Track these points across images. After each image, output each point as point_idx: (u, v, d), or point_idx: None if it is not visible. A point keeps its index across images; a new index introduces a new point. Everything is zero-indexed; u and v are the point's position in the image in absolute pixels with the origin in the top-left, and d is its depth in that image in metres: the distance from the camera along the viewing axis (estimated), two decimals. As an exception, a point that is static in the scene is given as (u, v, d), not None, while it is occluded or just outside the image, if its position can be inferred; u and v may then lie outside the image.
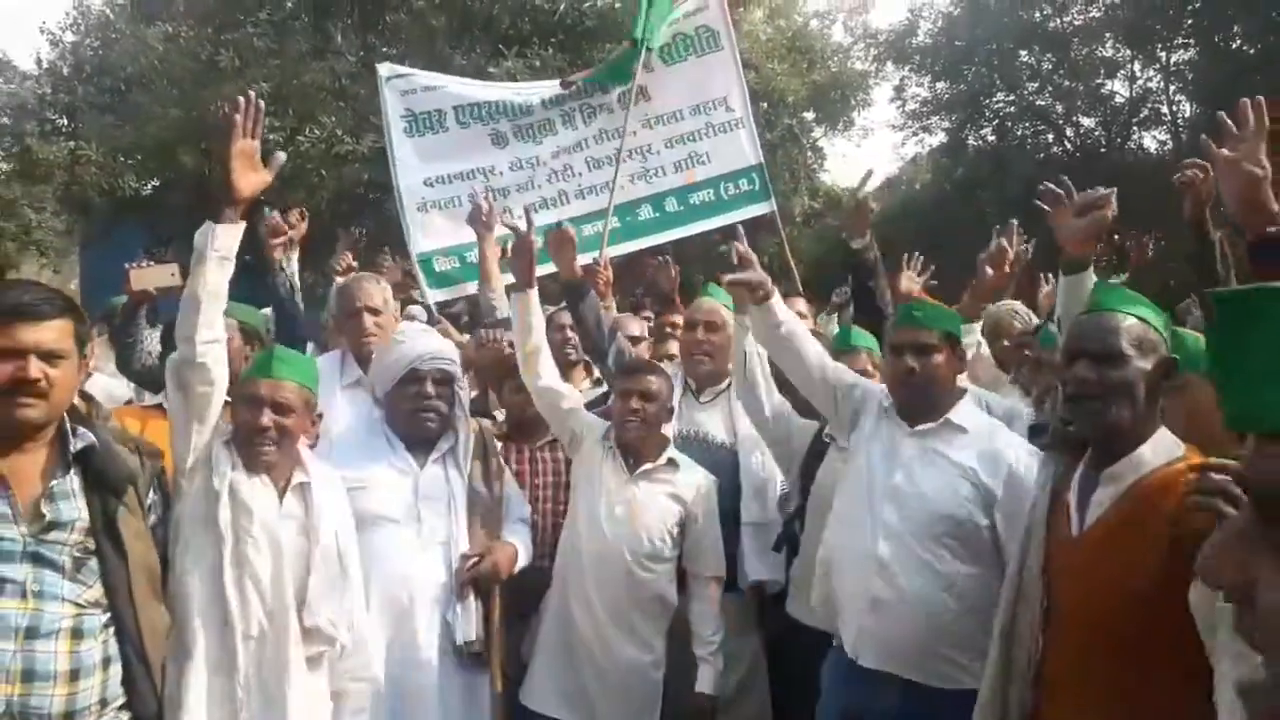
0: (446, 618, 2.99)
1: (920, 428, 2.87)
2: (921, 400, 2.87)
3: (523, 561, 3.18)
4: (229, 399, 2.69)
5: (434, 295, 5.08)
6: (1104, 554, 2.09)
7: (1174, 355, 2.18)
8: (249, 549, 2.55)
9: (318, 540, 2.66)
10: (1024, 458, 2.82)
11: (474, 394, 3.85)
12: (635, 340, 4.15)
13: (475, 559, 3.02)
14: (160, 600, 2.39)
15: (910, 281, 4.53)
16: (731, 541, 3.49)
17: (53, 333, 2.12)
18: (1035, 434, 2.75)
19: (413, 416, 3.07)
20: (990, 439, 2.87)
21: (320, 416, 2.85)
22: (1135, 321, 2.16)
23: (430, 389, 3.06)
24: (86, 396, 3.90)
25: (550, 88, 5.36)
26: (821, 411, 3.22)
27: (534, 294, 3.35)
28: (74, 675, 2.13)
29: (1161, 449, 2.12)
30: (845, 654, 2.84)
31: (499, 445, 3.56)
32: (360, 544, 2.84)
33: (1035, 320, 5.01)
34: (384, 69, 5.36)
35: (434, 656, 2.97)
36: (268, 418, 2.61)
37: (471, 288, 5.10)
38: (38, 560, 2.12)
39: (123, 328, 4.14)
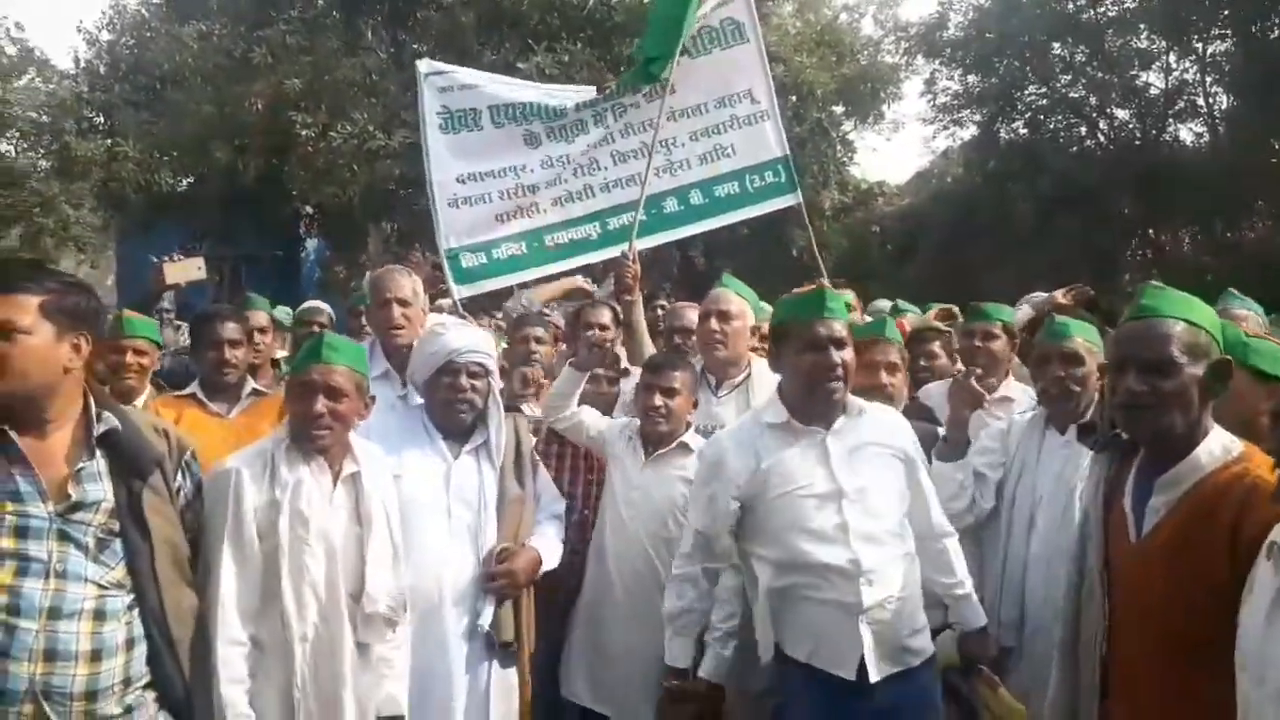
0: (475, 607, 3.02)
1: (837, 425, 2.77)
2: (842, 395, 2.78)
3: (551, 563, 3.18)
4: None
5: (460, 291, 5.11)
6: (1164, 560, 2.06)
7: (1227, 356, 2.11)
8: (306, 557, 2.59)
9: (371, 529, 2.69)
10: (899, 417, 2.99)
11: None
12: (691, 332, 4.16)
13: (500, 553, 3.03)
14: (187, 582, 2.42)
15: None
16: None
17: (9, 308, 2.13)
18: (1084, 434, 2.63)
19: (448, 407, 3.12)
20: (878, 410, 2.92)
21: (374, 399, 2.87)
22: (1184, 326, 2.09)
23: (465, 381, 3.10)
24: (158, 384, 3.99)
25: (586, 92, 5.41)
26: None
27: (585, 377, 3.55)
28: (95, 655, 2.16)
29: (1218, 449, 2.07)
30: (824, 680, 2.68)
31: (539, 439, 3.62)
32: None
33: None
34: (423, 65, 5.41)
35: (463, 645, 3.00)
36: (321, 404, 2.63)
37: (494, 284, 5.17)
38: (63, 539, 2.16)
39: None
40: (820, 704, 2.69)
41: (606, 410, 3.76)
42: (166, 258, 4.29)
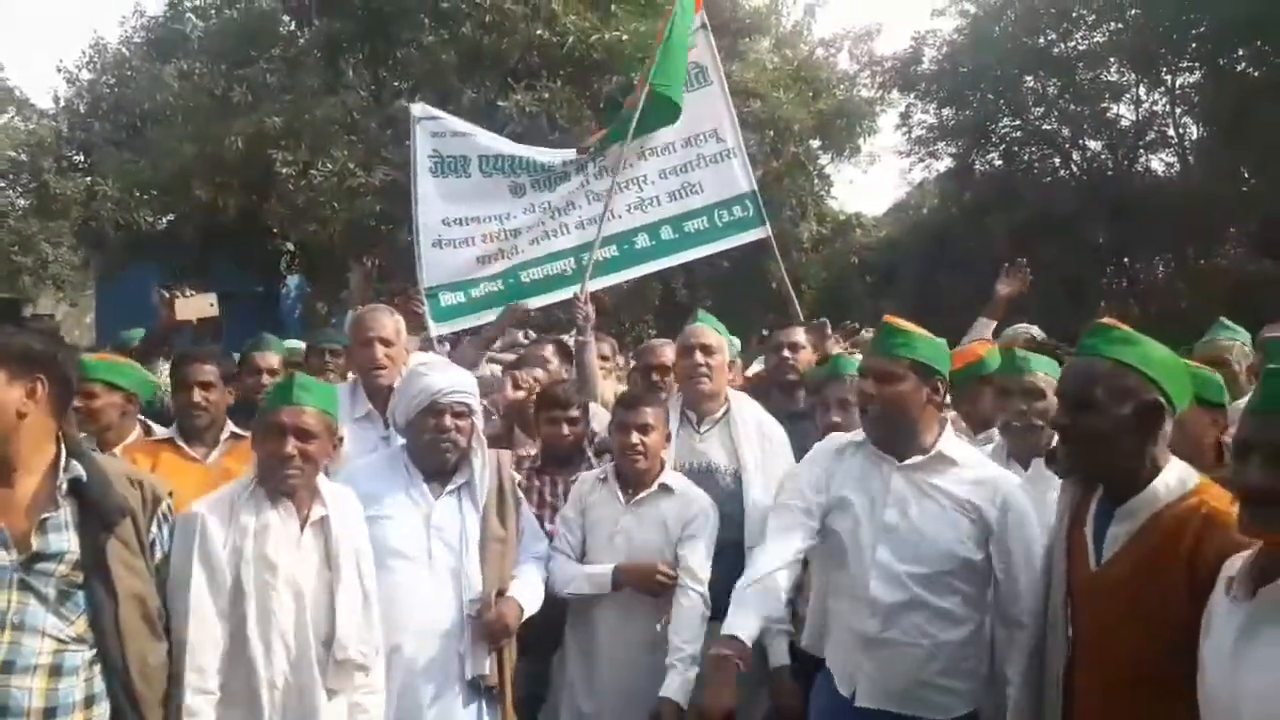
0: (458, 650, 3.00)
1: (910, 461, 2.80)
2: (883, 429, 2.83)
3: (533, 607, 3.16)
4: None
5: (437, 328, 5.19)
6: (1122, 589, 2.10)
7: (1159, 398, 2.12)
8: (274, 603, 2.57)
9: (340, 575, 2.67)
10: (1015, 486, 2.81)
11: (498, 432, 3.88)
12: (667, 369, 4.16)
13: (482, 606, 3.03)
14: (157, 637, 2.35)
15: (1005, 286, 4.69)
16: (736, 570, 3.45)
17: None
18: (1050, 460, 2.74)
19: (431, 448, 3.10)
20: (983, 469, 2.84)
21: (341, 440, 2.88)
22: (1112, 366, 2.13)
23: (449, 422, 3.08)
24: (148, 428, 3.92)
25: (573, 153, 5.56)
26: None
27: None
28: (50, 713, 2.09)
29: (1174, 482, 2.10)
30: (836, 688, 2.83)
31: (523, 474, 3.61)
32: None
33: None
34: (417, 109, 5.53)
35: (446, 689, 2.98)
36: (291, 445, 2.63)
37: (471, 321, 5.25)
38: (23, 590, 2.10)
39: (143, 359, 4.12)
40: (827, 707, 2.87)
41: (570, 450, 3.73)
42: (177, 293, 4.21)
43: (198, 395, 3.53)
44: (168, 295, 4.18)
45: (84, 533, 2.18)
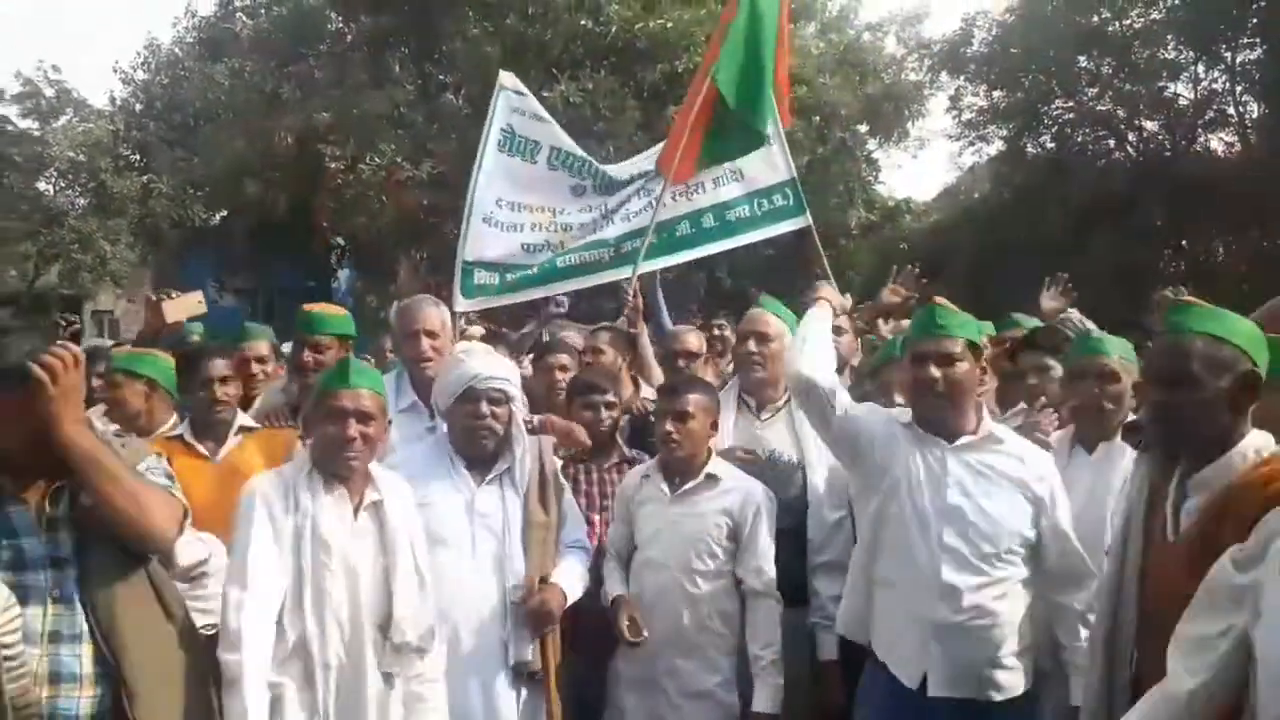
0: (501, 637, 3.00)
1: (962, 442, 2.80)
2: (946, 411, 2.81)
3: (577, 593, 3.15)
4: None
5: (463, 304, 5.14)
6: (1190, 559, 2.04)
7: (1256, 369, 2.11)
8: (328, 583, 2.59)
9: (396, 558, 2.68)
10: (1047, 460, 2.88)
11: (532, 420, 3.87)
12: (693, 355, 4.14)
13: (525, 592, 3.02)
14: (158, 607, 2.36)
15: (1052, 300, 4.46)
16: (798, 556, 3.39)
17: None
18: (1129, 432, 2.67)
19: (468, 435, 3.10)
20: (1022, 446, 2.87)
21: (390, 423, 2.89)
22: (1205, 342, 2.11)
23: (485, 409, 3.08)
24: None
25: (647, 160, 5.49)
26: (837, 453, 3.12)
27: None
28: (98, 678, 2.18)
29: (1251, 452, 2.09)
30: (895, 681, 2.78)
31: (562, 464, 3.59)
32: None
33: (1090, 327, 4.94)
34: (506, 78, 5.48)
35: (490, 676, 2.98)
36: (354, 428, 2.64)
37: (498, 302, 5.27)
38: (57, 566, 2.18)
39: None
40: (887, 703, 2.81)
41: (605, 436, 3.68)
42: (163, 295, 4.25)
43: (218, 390, 3.56)
44: (154, 299, 4.21)
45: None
